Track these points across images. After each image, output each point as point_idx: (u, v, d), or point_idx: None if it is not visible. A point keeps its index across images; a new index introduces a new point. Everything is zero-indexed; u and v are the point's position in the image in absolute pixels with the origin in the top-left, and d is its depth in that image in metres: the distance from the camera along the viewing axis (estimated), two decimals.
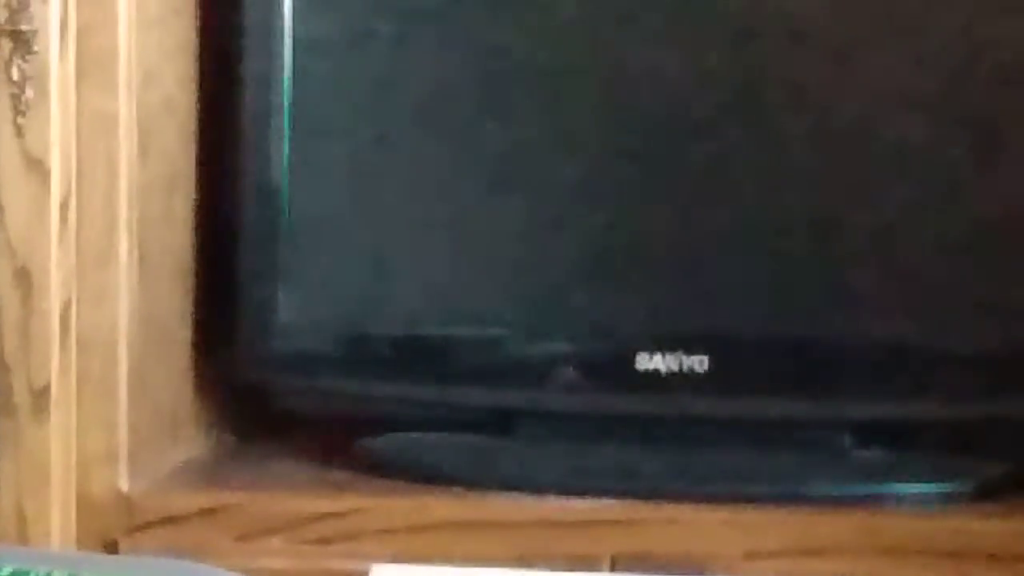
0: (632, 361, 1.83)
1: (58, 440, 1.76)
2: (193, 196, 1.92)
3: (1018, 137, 1.84)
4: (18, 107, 1.73)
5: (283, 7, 1.90)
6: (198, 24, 1.93)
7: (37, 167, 1.72)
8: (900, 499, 1.78)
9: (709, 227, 1.87)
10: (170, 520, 1.78)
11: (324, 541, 1.77)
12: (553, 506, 1.78)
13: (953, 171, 1.83)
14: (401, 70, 1.92)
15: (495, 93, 1.91)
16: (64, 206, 1.74)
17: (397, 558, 1.72)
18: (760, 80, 1.88)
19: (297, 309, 1.91)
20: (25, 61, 1.72)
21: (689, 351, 1.83)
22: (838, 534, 1.72)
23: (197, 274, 1.94)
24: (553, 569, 1.72)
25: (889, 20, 1.89)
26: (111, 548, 1.78)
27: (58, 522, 1.76)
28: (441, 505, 1.78)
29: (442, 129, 1.91)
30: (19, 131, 1.73)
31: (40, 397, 1.74)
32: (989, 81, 1.85)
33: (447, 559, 1.71)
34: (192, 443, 1.97)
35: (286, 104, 1.90)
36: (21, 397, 1.75)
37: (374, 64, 1.92)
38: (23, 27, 1.72)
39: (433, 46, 1.92)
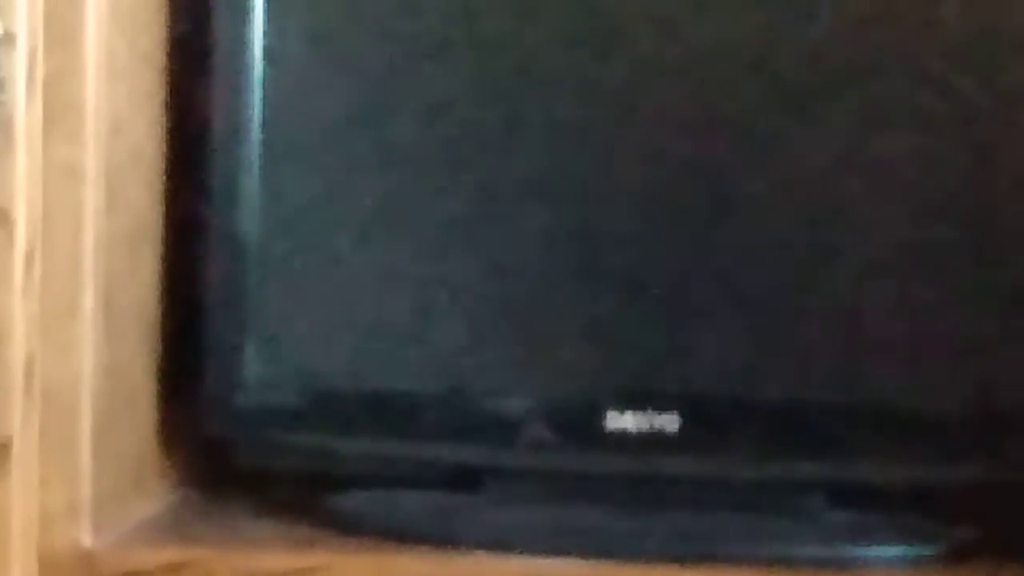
0: (602, 419, 1.79)
1: (19, 495, 1.71)
2: (160, 249, 1.89)
3: (994, 209, 1.81)
4: None
5: (253, 58, 1.87)
6: (167, 75, 1.91)
7: (2, 218, 1.69)
8: (872, 561, 1.70)
9: (682, 285, 1.85)
10: None
11: None
12: (521, 566, 1.71)
13: (926, 240, 1.80)
14: (369, 140, 1.87)
15: (462, 149, 1.87)
16: (29, 258, 1.69)
17: None
18: (731, 142, 1.84)
19: (263, 363, 1.86)
20: None
21: (660, 409, 1.79)
22: None
23: (163, 327, 1.90)
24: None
25: (857, 82, 1.85)
26: None
27: None
28: (408, 562, 1.71)
29: (408, 190, 1.87)
30: None
31: (1, 451, 1.71)
32: (969, 155, 1.81)
33: None
34: (156, 498, 1.91)
35: (256, 158, 1.86)
36: None
37: (345, 123, 1.87)
38: None
39: (406, 103, 1.87)
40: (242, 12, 1.83)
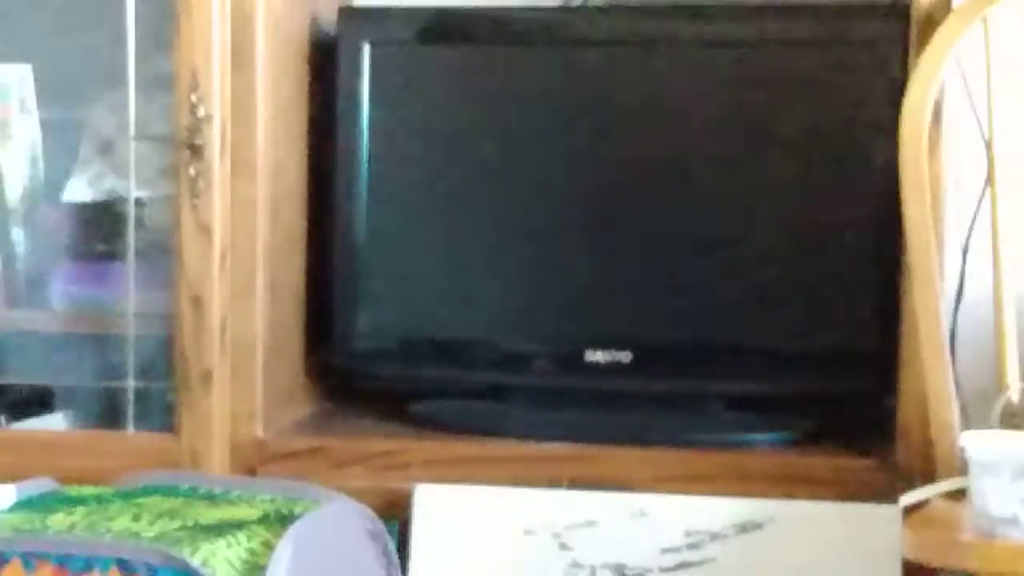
0: (583, 355, 1.93)
1: (217, 405, 1.86)
2: (304, 249, 2.01)
3: (827, 209, 1.90)
4: (194, 192, 1.82)
5: (363, 129, 1.97)
6: (308, 140, 2.00)
7: (206, 232, 1.83)
8: (751, 444, 1.86)
9: (633, 270, 1.93)
10: (290, 455, 1.87)
11: (387, 468, 1.86)
12: (532, 448, 1.86)
13: (790, 232, 1.90)
14: (431, 182, 1.98)
15: (494, 187, 1.98)
16: (223, 256, 1.84)
17: (433, 481, 1.83)
18: (663, 169, 1.94)
19: (369, 322, 2.00)
20: (198, 163, 1.82)
21: (619, 348, 1.92)
22: (712, 466, 1.81)
23: (306, 299, 2.02)
24: (532, 487, 1.80)
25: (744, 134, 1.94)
26: (251, 474, 1.87)
27: (217, 457, 1.86)
28: (461, 446, 1.87)
29: (454, 215, 1.98)
30: (195, 208, 1.83)
31: (206, 379, 1.84)
32: (817, 175, 1.90)
33: (466, 481, 1.82)
34: (302, 407, 2.03)
35: (363, 193, 1.97)
36: (195, 379, 1.84)
37: (417, 170, 1.99)
38: (197, 142, 1.82)
39: (458, 153, 1.98)
40: (355, 101, 1.97)
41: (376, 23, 1.99)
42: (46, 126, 1.99)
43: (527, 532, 1.80)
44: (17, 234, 2.00)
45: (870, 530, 1.74)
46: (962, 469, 1.59)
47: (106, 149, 1.96)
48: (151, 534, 1.58)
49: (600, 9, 2.09)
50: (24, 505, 1.68)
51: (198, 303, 1.85)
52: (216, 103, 1.83)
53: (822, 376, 1.90)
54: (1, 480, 1.70)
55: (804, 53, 1.90)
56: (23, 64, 1.97)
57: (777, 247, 1.91)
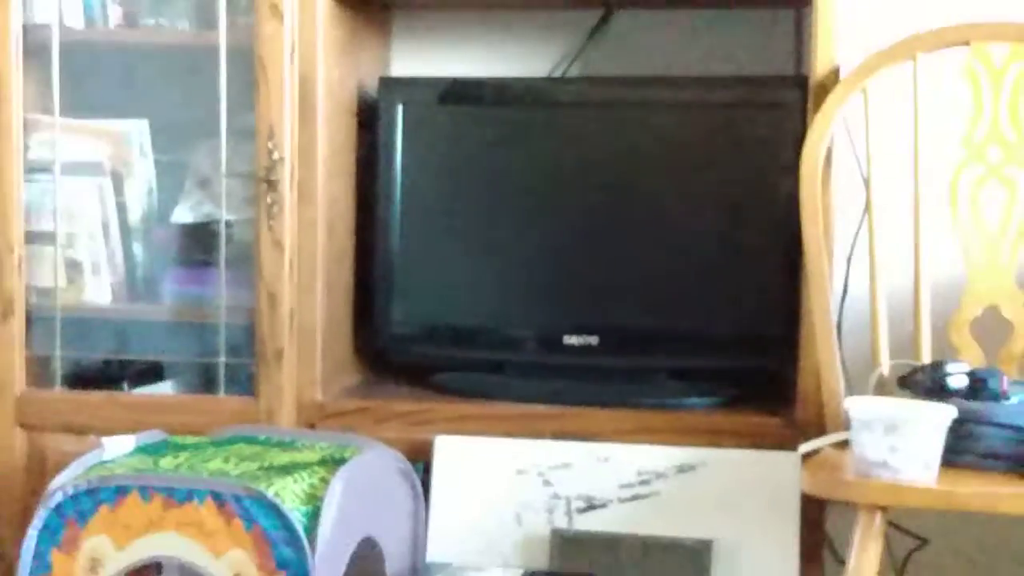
0: (562, 339, 1.92)
1: (287, 376, 1.85)
2: (352, 258, 1.99)
3: (746, 229, 1.87)
4: (270, 216, 1.82)
5: (397, 166, 1.94)
6: (356, 176, 1.98)
7: (278, 245, 1.83)
8: (688, 406, 1.85)
9: (601, 275, 1.92)
10: (341, 414, 1.86)
11: (414, 424, 1.84)
12: (523, 408, 1.85)
13: (719, 247, 1.88)
14: (452, 207, 1.95)
15: (496, 213, 1.95)
16: (291, 263, 1.84)
17: (449, 433, 1.81)
18: (623, 199, 1.91)
19: (401, 312, 1.97)
20: (273, 194, 1.82)
21: (589, 333, 1.91)
22: (658, 423, 1.80)
23: (353, 295, 2.00)
24: (523, 438, 1.79)
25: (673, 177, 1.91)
26: (312, 427, 1.85)
27: (286, 415, 1.85)
28: (470, 407, 1.86)
29: (470, 233, 1.95)
30: (270, 228, 1.82)
31: (279, 356, 1.84)
32: (739, 204, 1.87)
33: (474, 434, 1.81)
34: (351, 377, 2.01)
35: (397, 214, 1.95)
36: (271, 355, 1.84)
37: (443, 196, 1.96)
38: (272, 178, 1.82)
39: (469, 187, 1.95)
40: (391, 148, 1.95)
41: (408, 89, 1.98)
42: (159, 166, 1.98)
43: (519, 472, 1.80)
44: (136, 248, 1.99)
45: (777, 471, 1.74)
46: (846, 425, 1.58)
47: (204, 183, 1.95)
48: (237, 472, 1.58)
49: (574, 80, 2.08)
50: (141, 451, 1.68)
51: (272, 299, 1.85)
52: (287, 149, 1.83)
53: (742, 355, 1.89)
54: (123, 432, 1.71)
55: (731, 112, 1.89)
56: (142, 119, 1.96)
57: (709, 258, 1.90)
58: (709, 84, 1.94)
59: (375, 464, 1.68)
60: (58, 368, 1.93)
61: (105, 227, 1.95)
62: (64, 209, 1.92)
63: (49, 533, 1.55)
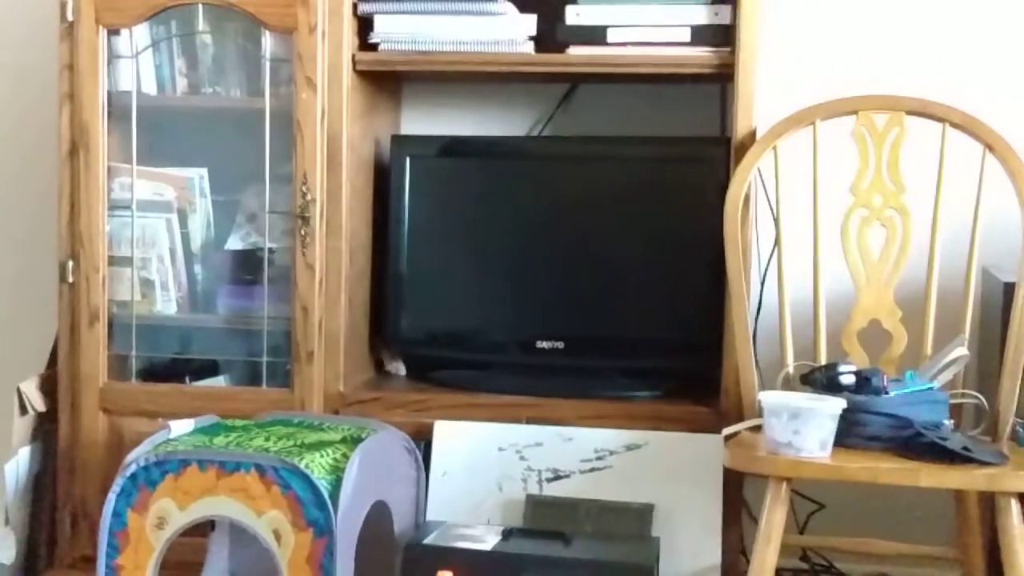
0: (535, 344, 1.90)
1: (316, 374, 1.83)
2: (369, 279, 1.96)
3: (681, 257, 1.84)
4: (304, 245, 1.80)
5: (405, 206, 1.91)
6: (372, 214, 1.95)
7: (310, 268, 1.81)
8: (635, 397, 1.84)
9: (567, 294, 1.89)
10: (359, 402, 1.84)
11: (418, 411, 1.82)
12: (505, 399, 1.80)
13: (659, 272, 1.85)
14: (449, 236, 1.92)
15: (484, 242, 1.91)
16: (321, 282, 1.82)
17: (445, 419, 1.79)
18: (584, 231, 1.88)
19: (409, 321, 1.95)
20: (306, 227, 1.80)
21: (556, 340, 1.90)
22: (612, 410, 1.78)
23: (370, 308, 1.97)
24: (504, 423, 1.76)
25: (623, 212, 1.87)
26: (336, 413, 1.82)
27: (316, 403, 1.83)
28: (463, 398, 1.84)
29: (464, 254, 1.92)
30: (304, 254, 1.80)
31: (310, 357, 1.83)
32: (675, 237, 1.84)
33: (465, 419, 1.79)
34: (367, 373, 1.98)
35: (405, 243, 1.93)
36: (303, 356, 1.82)
37: (444, 226, 1.92)
38: (306, 215, 1.80)
39: (462, 222, 1.92)
40: (400, 191, 1.92)
41: (414, 145, 1.96)
42: (215, 205, 1.96)
43: (500, 449, 1.78)
44: (197, 269, 1.96)
45: (706, 449, 1.72)
46: (759, 413, 1.57)
47: (251, 219, 1.94)
48: (275, 448, 1.57)
49: (546, 138, 2.06)
50: (199, 431, 1.67)
51: (305, 311, 1.83)
52: (318, 192, 1.82)
53: (678, 357, 1.88)
54: (185, 416, 1.70)
55: (670, 164, 1.88)
56: (202, 167, 1.95)
57: (652, 280, 1.88)
58: (652, 143, 1.93)
59: (386, 442, 1.67)
60: (133, 365, 1.93)
61: (172, 253, 1.94)
62: (139, 238, 1.92)
63: (125, 496, 1.54)
